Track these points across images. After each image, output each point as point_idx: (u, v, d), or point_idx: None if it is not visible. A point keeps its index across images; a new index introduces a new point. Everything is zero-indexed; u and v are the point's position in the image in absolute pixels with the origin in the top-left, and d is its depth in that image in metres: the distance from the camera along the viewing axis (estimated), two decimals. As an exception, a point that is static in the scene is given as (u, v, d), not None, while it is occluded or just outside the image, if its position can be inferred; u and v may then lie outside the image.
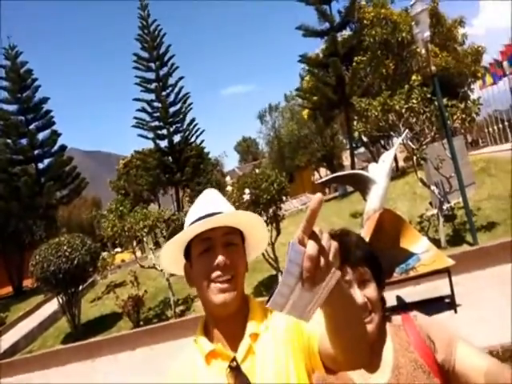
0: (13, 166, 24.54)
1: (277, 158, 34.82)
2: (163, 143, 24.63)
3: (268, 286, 9.85)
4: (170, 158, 24.29)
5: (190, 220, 1.19)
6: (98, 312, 12.69)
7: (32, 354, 11.69)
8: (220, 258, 1.11)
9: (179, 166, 24.26)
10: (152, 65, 24.59)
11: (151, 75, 24.57)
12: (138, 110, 24.41)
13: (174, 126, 24.46)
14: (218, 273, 1.11)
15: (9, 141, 24.97)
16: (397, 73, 20.64)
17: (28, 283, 22.50)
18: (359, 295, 1.20)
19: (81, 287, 11.91)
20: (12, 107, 25.53)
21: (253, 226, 1.22)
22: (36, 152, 25.41)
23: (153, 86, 24.56)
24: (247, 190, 8.22)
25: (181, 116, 24.51)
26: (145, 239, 10.67)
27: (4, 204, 22.88)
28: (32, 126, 25.55)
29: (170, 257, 1.22)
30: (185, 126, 24.53)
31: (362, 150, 32.39)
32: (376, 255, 1.32)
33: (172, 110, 24.48)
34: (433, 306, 6.02)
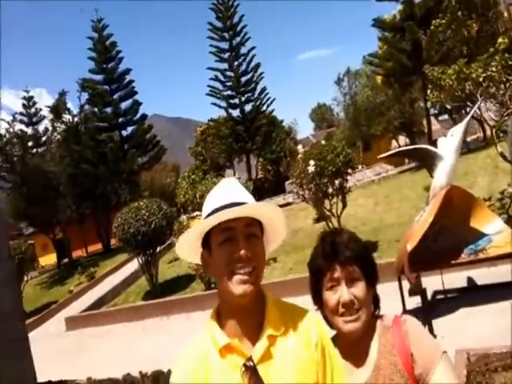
0: (100, 133, 26.45)
1: (351, 126, 33.72)
2: (235, 112, 25.02)
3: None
4: (241, 127, 24.60)
5: (211, 208, 1.17)
6: (175, 273, 13.51)
7: (116, 307, 12.88)
8: (242, 250, 1.10)
9: (250, 135, 24.54)
10: (225, 34, 24.74)
11: (225, 45, 24.80)
12: (212, 79, 24.90)
13: (245, 96, 24.65)
14: (239, 264, 1.10)
15: (96, 109, 26.82)
16: (481, 35, 18.74)
17: (115, 241, 24.44)
18: (346, 293, 1.24)
19: (158, 249, 12.73)
20: (98, 77, 27.29)
21: (273, 217, 1.20)
22: (120, 120, 27.07)
23: (226, 55, 24.77)
24: (312, 162, 8.16)
25: (252, 85, 24.59)
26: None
27: (92, 168, 24.91)
28: (116, 96, 27.15)
29: (188, 244, 1.21)
30: (256, 95, 24.60)
31: (446, 116, 30.27)
32: (368, 255, 1.35)
33: (244, 79, 24.61)
34: (506, 290, 5.71)
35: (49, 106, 25.56)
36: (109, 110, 27.11)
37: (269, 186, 40.47)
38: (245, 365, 1.09)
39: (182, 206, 11.03)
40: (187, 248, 1.23)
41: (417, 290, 5.15)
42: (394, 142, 35.32)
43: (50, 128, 26.03)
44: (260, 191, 37.36)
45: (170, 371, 5.38)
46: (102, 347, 9.29)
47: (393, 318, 1.33)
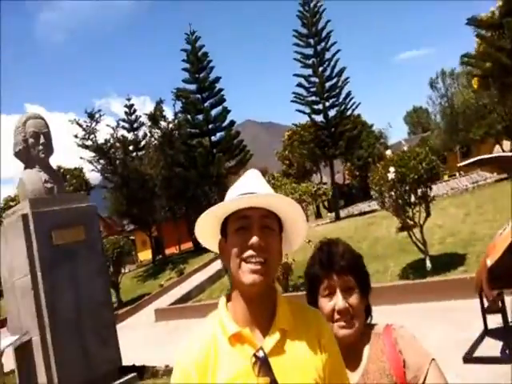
0: (191, 139, 27.97)
1: (447, 130, 31.67)
2: (319, 118, 24.86)
3: (416, 269, 9.42)
4: (325, 132, 24.35)
5: (231, 196, 1.19)
6: (256, 274, 13.80)
7: (201, 302, 13.54)
8: (254, 238, 1.10)
9: (333, 141, 24.14)
10: (311, 40, 24.76)
11: (310, 51, 24.81)
12: (297, 86, 25.03)
13: (329, 101, 24.37)
14: (251, 253, 1.10)
15: (188, 117, 28.46)
16: None
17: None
18: (341, 301, 1.30)
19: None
20: (191, 87, 28.92)
21: (290, 212, 1.19)
22: (210, 126, 28.38)
23: (310, 61, 24.76)
24: (392, 169, 7.91)
25: (337, 90, 24.18)
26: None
27: (184, 172, 26.45)
28: (207, 104, 28.47)
29: (207, 230, 1.23)
30: (340, 100, 24.20)
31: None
32: (362, 266, 1.42)
33: (328, 84, 24.32)
34: None
35: (147, 114, 27.65)
36: (200, 117, 28.51)
37: (356, 191, 39.70)
38: (255, 355, 1.08)
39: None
40: (206, 234, 1.25)
41: (495, 308, 4.79)
42: (497, 147, 32.51)
43: (148, 134, 28.15)
44: (347, 197, 36.78)
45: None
46: (183, 339, 9.82)
47: (384, 326, 1.38)
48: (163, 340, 10.37)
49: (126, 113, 29.25)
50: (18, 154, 6.00)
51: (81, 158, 26.69)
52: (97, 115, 25.70)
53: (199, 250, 25.80)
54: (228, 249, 1.15)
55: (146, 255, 34.17)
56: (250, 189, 1.16)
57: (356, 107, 24.65)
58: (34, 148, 5.90)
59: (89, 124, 25.56)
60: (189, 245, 30.87)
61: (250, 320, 1.14)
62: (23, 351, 5.67)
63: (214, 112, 28.38)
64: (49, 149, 6.09)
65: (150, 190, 25.64)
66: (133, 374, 6.09)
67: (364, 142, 32.45)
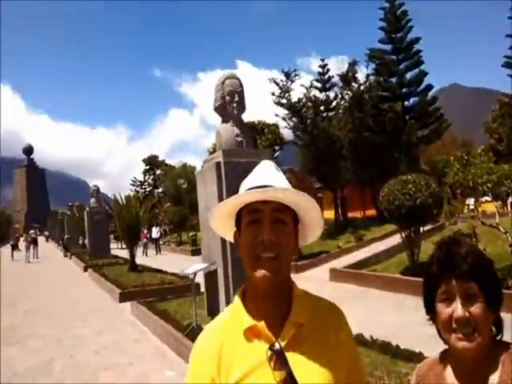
0: (382, 102, 26.60)
1: None
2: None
3: None
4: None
5: (244, 189, 1.18)
6: (438, 254, 12.75)
7: (374, 273, 13.14)
8: (266, 235, 1.10)
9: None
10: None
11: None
12: (510, 48, 20.96)
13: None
14: (262, 248, 1.09)
15: (381, 79, 27.07)
16: None
17: (387, 210, 24.65)
18: (460, 309, 1.12)
19: (424, 227, 12.14)
20: (386, 47, 27.32)
21: (306, 206, 1.17)
22: (403, 90, 26.55)
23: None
24: None
25: None
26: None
27: (372, 136, 25.56)
28: (401, 66, 26.60)
29: (221, 221, 1.24)
30: None
31: None
32: (491, 271, 1.17)
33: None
34: None
35: (339, 75, 27.19)
36: (393, 79, 26.92)
37: None
38: (271, 348, 1.09)
39: (451, 187, 10.19)
40: (222, 225, 1.26)
41: None
42: None
43: (339, 95, 27.79)
44: None
45: (397, 348, 5.32)
46: (354, 307, 9.12)
47: None
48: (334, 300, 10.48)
49: (319, 73, 29.30)
50: (217, 109, 6.76)
51: (276, 114, 28.15)
52: (292, 74, 26.45)
53: (383, 218, 24.98)
54: (241, 242, 1.16)
55: (328, 215, 34.81)
56: (262, 181, 1.14)
57: None
58: (229, 105, 6.57)
59: (284, 83, 26.58)
60: (372, 212, 30.23)
61: (265, 314, 1.14)
62: (211, 277, 6.71)
63: (409, 75, 26.53)
64: (242, 106, 6.68)
65: (336, 151, 25.69)
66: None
67: None
